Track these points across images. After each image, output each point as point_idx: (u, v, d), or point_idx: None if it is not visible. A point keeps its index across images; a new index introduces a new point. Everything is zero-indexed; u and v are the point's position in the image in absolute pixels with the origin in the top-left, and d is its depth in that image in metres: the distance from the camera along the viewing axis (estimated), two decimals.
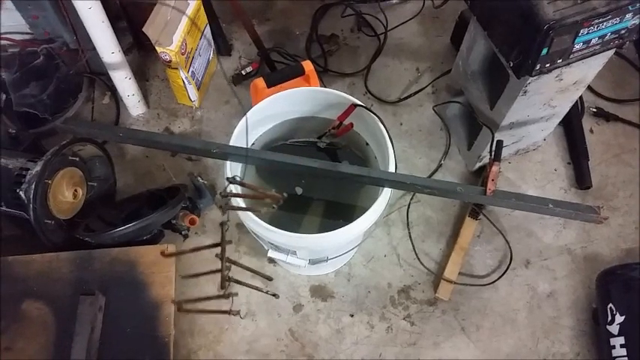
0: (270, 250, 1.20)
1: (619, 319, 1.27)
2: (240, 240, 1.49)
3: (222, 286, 0.97)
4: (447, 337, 1.39)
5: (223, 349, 1.37)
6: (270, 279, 1.02)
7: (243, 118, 1.19)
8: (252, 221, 1.09)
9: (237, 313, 1.07)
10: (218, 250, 0.95)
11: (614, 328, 1.27)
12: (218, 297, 0.99)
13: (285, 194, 0.95)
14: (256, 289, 1.02)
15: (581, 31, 1.08)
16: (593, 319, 1.41)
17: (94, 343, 1.18)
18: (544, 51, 1.09)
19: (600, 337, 1.34)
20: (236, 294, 1.00)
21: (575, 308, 1.44)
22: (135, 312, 1.25)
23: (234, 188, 0.99)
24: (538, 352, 1.39)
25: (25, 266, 1.28)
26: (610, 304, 1.30)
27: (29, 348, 1.20)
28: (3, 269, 1.28)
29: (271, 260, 1.45)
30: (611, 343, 1.27)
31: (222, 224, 0.95)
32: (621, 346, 1.24)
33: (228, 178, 0.98)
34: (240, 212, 1.11)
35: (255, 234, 1.17)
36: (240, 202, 1.08)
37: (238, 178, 0.95)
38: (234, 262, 0.99)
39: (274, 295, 1.06)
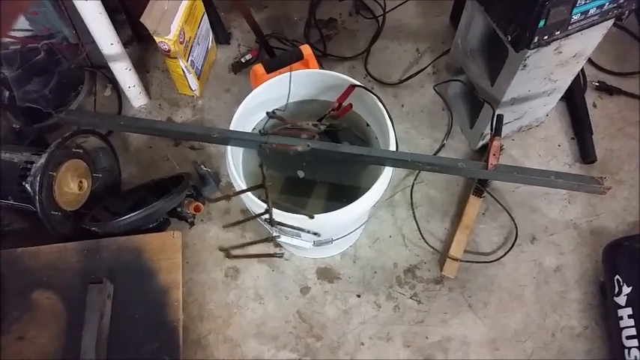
0: (274, 234, 1.21)
1: (626, 290, 1.27)
2: (246, 226, 1.50)
3: (272, 224, 1.00)
4: (454, 315, 1.40)
5: (233, 332, 1.38)
6: (317, 234, 1.04)
7: (242, 104, 1.20)
8: (256, 205, 1.10)
9: (282, 255, 1.09)
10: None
11: (621, 300, 1.27)
12: (264, 240, 1.02)
13: (321, 126, 1.06)
14: (299, 229, 1.03)
15: (579, 1, 1.07)
16: (601, 292, 1.41)
17: (104, 330, 1.20)
18: (541, 23, 1.08)
19: (608, 309, 1.34)
20: (279, 236, 1.01)
21: (583, 282, 1.44)
22: (143, 298, 1.26)
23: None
24: (546, 326, 1.39)
25: (34, 257, 1.30)
26: (617, 276, 1.30)
27: (41, 336, 1.22)
28: (13, 261, 1.29)
29: (277, 244, 1.46)
30: (619, 314, 1.27)
31: (261, 166, 1.01)
32: (629, 316, 1.24)
33: (268, 113, 1.07)
34: (243, 198, 1.12)
35: (259, 218, 1.17)
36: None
37: (278, 112, 1.05)
38: (276, 204, 1.01)
39: (315, 233, 1.05)
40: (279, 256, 1.10)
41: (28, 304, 1.25)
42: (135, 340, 1.22)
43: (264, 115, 1.32)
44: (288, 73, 1.25)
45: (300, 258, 1.47)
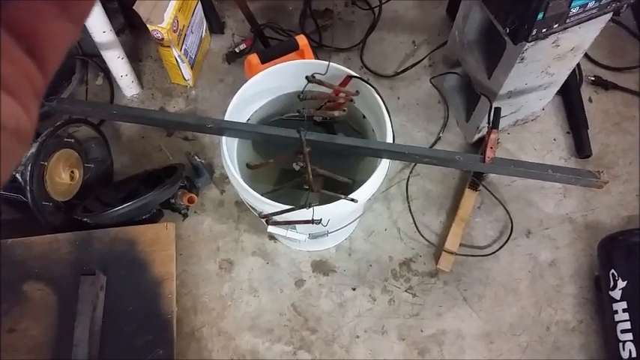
0: (269, 226, 1.20)
1: (621, 284, 1.27)
2: (240, 218, 1.49)
3: (312, 190, 1.01)
4: (449, 308, 1.40)
5: (227, 325, 1.37)
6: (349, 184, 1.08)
7: (237, 94, 1.18)
8: (251, 196, 1.08)
9: (319, 221, 1.08)
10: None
11: (616, 294, 1.28)
12: (300, 207, 1.01)
13: (357, 91, 1.11)
14: (338, 197, 1.03)
15: None
16: (596, 286, 1.41)
17: (97, 322, 1.19)
18: (540, 15, 1.07)
19: (603, 303, 1.34)
20: (317, 204, 1.01)
21: (578, 276, 1.44)
22: (136, 290, 1.25)
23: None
24: (541, 320, 1.39)
25: (25, 248, 1.28)
26: (612, 270, 1.30)
27: (33, 328, 1.20)
28: (4, 252, 1.27)
29: (271, 237, 1.45)
30: (614, 309, 1.27)
31: (299, 131, 1.04)
32: (624, 310, 1.25)
33: (307, 77, 1.08)
34: (239, 189, 1.11)
35: (254, 209, 1.16)
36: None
37: (317, 76, 1.06)
38: (315, 171, 1.03)
39: (352, 200, 1.04)
40: (317, 223, 1.09)
41: (20, 296, 1.24)
42: (128, 332, 1.21)
43: (260, 105, 1.32)
44: (281, 65, 1.24)
45: (294, 251, 1.46)
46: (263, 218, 1.11)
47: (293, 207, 1.05)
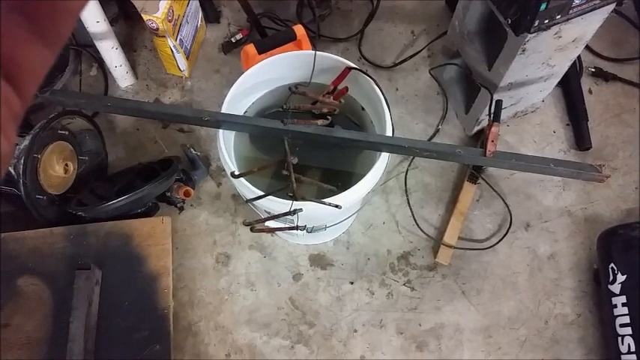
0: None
1: (620, 278, 1.26)
2: (237, 211, 1.48)
3: (296, 197, 1.00)
4: (447, 302, 1.39)
5: (224, 319, 1.36)
6: (334, 190, 1.05)
7: (234, 86, 1.16)
8: (248, 190, 1.07)
9: (304, 228, 1.08)
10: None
11: (615, 288, 1.27)
12: (285, 214, 1.00)
13: (341, 101, 1.08)
14: (322, 203, 1.02)
15: None
16: (595, 279, 1.41)
17: (92, 317, 1.17)
18: (542, 6, 1.06)
19: (602, 297, 1.34)
20: (301, 210, 1.00)
21: (576, 269, 1.44)
22: (132, 285, 1.24)
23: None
24: (539, 314, 1.39)
25: (18, 242, 1.26)
26: (611, 264, 1.30)
27: (27, 324, 1.19)
28: None
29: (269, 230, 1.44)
30: (613, 303, 1.27)
31: (284, 140, 1.02)
32: (623, 304, 1.24)
33: (290, 88, 1.05)
34: (235, 183, 1.09)
35: (251, 203, 1.14)
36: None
37: (301, 88, 1.04)
38: (299, 180, 1.01)
39: (337, 206, 1.03)
40: (301, 229, 1.08)
41: (13, 291, 1.22)
42: (124, 327, 1.20)
43: (257, 97, 1.30)
44: (279, 56, 1.21)
45: (292, 244, 1.45)
46: (247, 226, 1.09)
47: (279, 214, 1.04)
